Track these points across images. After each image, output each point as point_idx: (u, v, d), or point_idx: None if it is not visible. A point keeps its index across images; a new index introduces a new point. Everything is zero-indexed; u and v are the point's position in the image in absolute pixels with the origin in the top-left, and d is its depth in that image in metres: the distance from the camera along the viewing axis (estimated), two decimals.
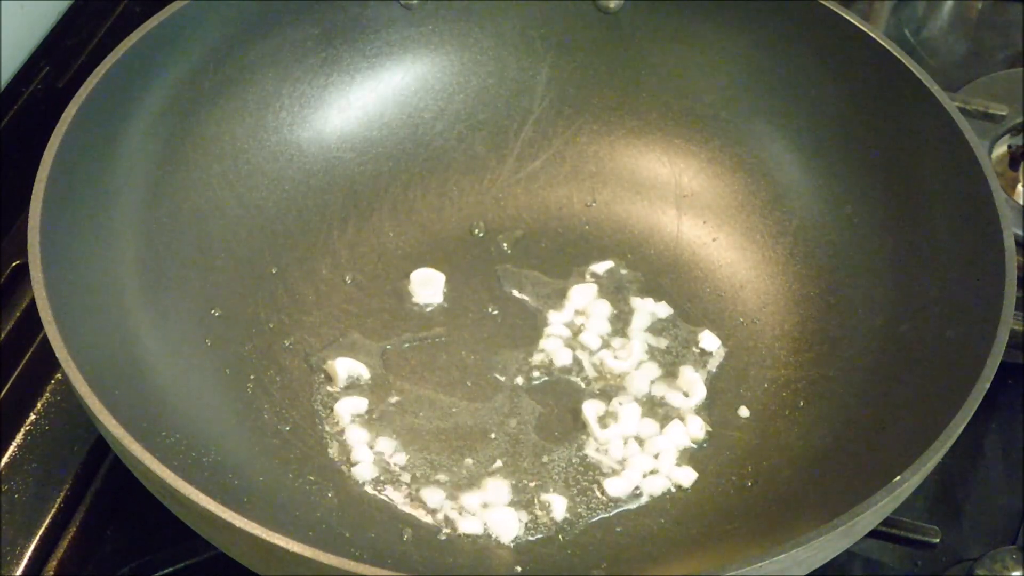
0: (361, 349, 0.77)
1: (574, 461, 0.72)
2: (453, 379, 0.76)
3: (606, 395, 0.75)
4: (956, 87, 0.93)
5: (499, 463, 0.72)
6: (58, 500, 0.71)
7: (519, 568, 0.68)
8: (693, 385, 0.75)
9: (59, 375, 0.76)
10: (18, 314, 0.78)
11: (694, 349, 0.78)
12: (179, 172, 0.76)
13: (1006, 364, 0.64)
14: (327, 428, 0.73)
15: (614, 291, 0.80)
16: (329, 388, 0.75)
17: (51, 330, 0.61)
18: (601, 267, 0.81)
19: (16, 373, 0.76)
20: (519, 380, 0.76)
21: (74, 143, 0.68)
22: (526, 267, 0.81)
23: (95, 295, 0.67)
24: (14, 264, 0.80)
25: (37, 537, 0.70)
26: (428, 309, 0.79)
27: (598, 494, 0.71)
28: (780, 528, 0.65)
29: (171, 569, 0.68)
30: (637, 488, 0.71)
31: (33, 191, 0.65)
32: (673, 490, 0.72)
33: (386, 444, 0.72)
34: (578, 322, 0.79)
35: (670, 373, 0.77)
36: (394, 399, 0.75)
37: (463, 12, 0.83)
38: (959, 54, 1.05)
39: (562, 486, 0.71)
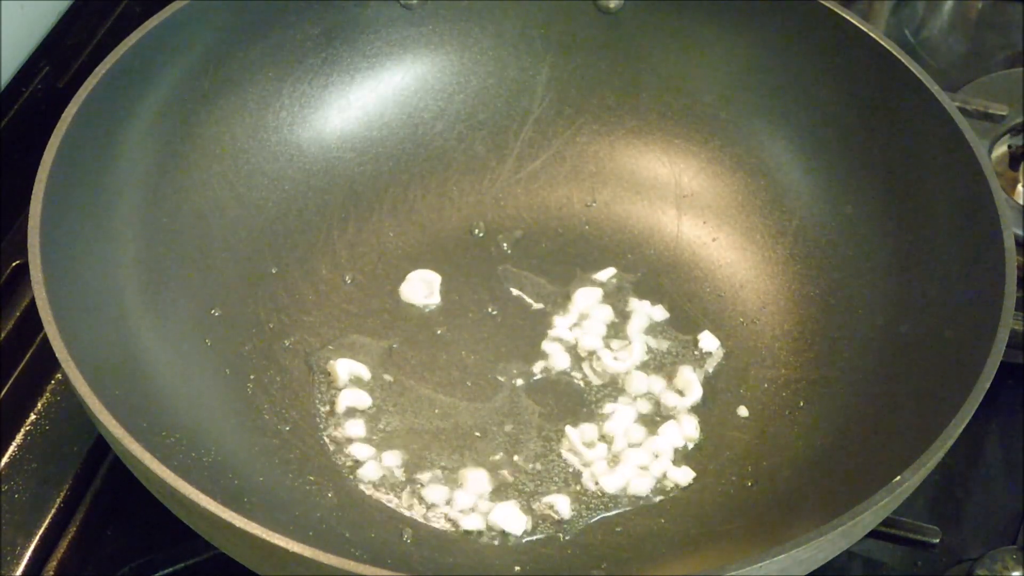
0: (361, 349, 0.77)
1: (574, 461, 0.72)
2: (453, 379, 0.76)
3: (606, 396, 0.75)
4: (956, 87, 0.93)
5: (499, 463, 0.72)
6: (58, 500, 0.71)
7: (519, 568, 0.68)
8: (690, 385, 0.75)
9: (59, 375, 0.76)
10: (18, 314, 0.78)
11: (694, 350, 0.78)
12: (179, 172, 0.76)
13: (1006, 364, 0.64)
14: (327, 428, 0.73)
15: (614, 292, 0.80)
16: (329, 388, 0.75)
17: (51, 330, 0.61)
18: (604, 275, 0.81)
19: (16, 373, 0.76)
20: (519, 380, 0.76)
21: (74, 143, 0.68)
22: (526, 267, 0.81)
23: (95, 295, 0.67)
24: (14, 264, 0.80)
25: (37, 537, 0.70)
26: (428, 309, 0.79)
27: (598, 494, 0.71)
28: (780, 528, 0.65)
29: (171, 569, 0.68)
30: (637, 488, 0.71)
31: (33, 191, 0.65)
32: (672, 490, 0.72)
33: (386, 444, 0.72)
34: (579, 324, 0.79)
35: (669, 374, 0.77)
36: (394, 399, 0.75)
37: (463, 12, 0.83)
38: (959, 54, 1.05)
39: (562, 486, 0.71)
